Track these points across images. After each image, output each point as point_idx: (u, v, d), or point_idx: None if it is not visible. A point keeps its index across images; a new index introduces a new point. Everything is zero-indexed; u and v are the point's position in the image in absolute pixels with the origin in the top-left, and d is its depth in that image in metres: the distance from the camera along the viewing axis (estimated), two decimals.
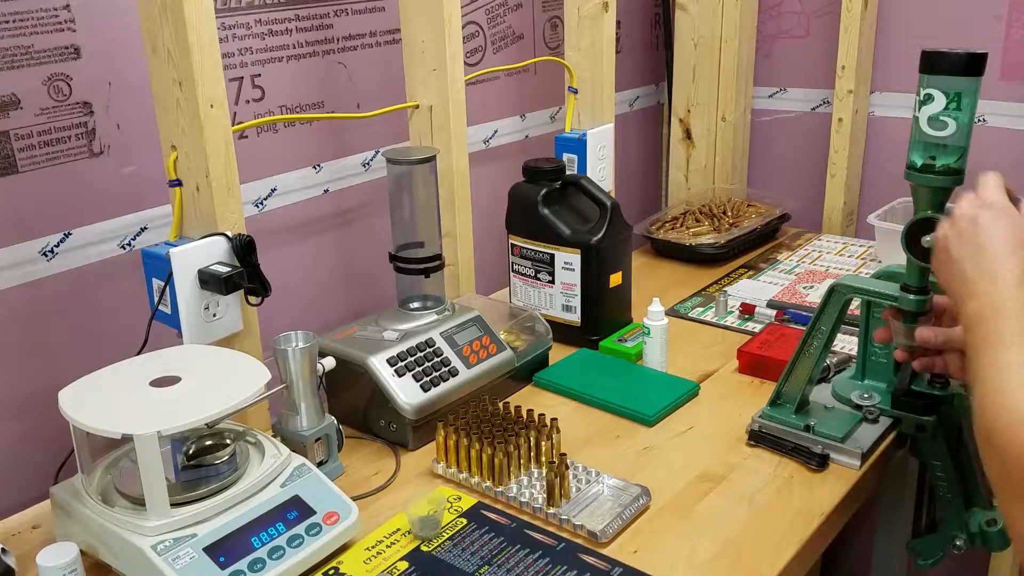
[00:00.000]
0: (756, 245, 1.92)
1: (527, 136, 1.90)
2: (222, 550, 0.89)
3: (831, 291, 1.11)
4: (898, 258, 1.04)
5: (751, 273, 1.78)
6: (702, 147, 2.12)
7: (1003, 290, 0.79)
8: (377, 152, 1.57)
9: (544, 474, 1.06)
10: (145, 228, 1.27)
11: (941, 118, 0.94)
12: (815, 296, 1.61)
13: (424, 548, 0.99)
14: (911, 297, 1.02)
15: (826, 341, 1.12)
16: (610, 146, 1.74)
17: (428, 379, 1.19)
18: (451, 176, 1.44)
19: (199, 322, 1.10)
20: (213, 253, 1.10)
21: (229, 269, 1.09)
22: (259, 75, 1.39)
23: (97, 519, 0.92)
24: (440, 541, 1.00)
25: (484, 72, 1.73)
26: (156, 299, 1.09)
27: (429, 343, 1.23)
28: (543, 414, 1.15)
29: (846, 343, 1.40)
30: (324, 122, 1.50)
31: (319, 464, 1.10)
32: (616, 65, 1.73)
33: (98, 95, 1.20)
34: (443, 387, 1.20)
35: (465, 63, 1.47)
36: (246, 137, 1.38)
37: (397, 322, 1.26)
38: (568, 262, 1.44)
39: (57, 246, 1.19)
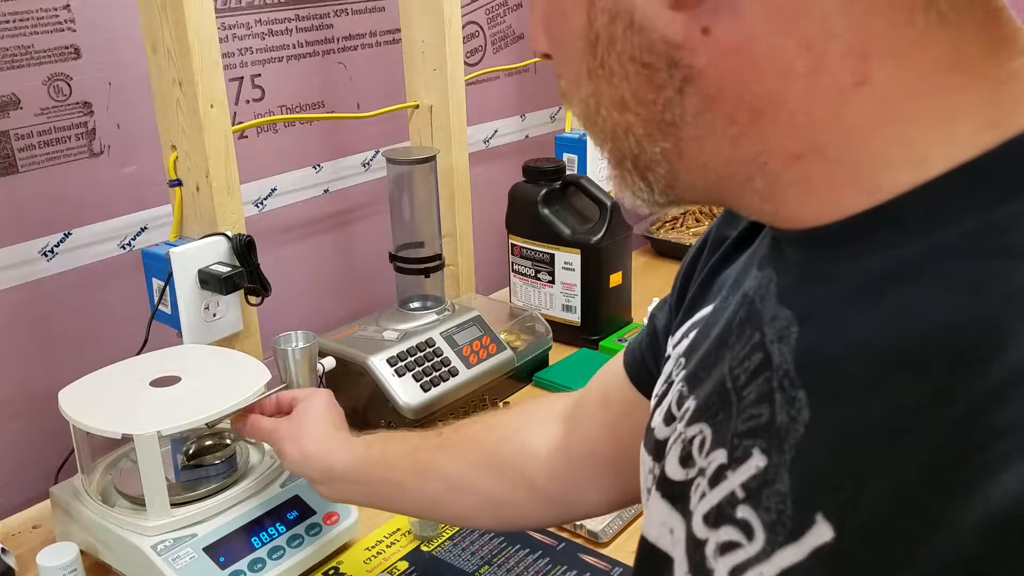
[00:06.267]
0: None
1: (527, 136, 1.90)
2: (222, 550, 0.89)
3: None
4: None
5: None
6: None
7: None
8: (377, 152, 1.57)
9: None
10: (145, 228, 1.27)
11: None
12: None
13: (424, 548, 0.99)
14: None
15: None
16: None
17: (428, 379, 1.19)
18: (451, 176, 1.44)
19: (199, 322, 1.10)
20: (213, 253, 1.10)
21: (229, 269, 1.09)
22: (259, 75, 1.39)
23: (97, 519, 0.92)
24: (440, 541, 1.00)
25: (484, 72, 1.73)
26: (156, 299, 1.09)
27: (429, 343, 1.23)
28: None
29: None
30: (324, 122, 1.49)
31: None
32: None
33: (98, 95, 1.20)
34: (443, 387, 1.20)
35: (465, 63, 1.47)
36: (246, 137, 1.38)
37: (397, 322, 1.26)
38: (568, 262, 1.44)
39: (57, 246, 1.19)
